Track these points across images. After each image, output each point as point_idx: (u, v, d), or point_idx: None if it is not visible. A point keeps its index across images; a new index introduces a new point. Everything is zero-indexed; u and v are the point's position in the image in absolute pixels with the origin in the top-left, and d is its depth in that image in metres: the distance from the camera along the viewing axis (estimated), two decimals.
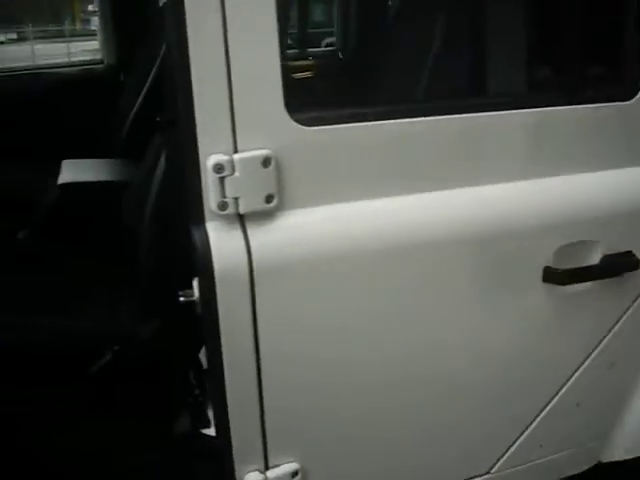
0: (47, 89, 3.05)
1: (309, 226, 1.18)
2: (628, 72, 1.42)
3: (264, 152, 1.12)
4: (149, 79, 2.34)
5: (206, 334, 1.17)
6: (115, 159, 2.46)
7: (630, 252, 1.37)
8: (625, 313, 1.43)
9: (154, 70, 2.32)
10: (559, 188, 1.33)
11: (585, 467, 1.58)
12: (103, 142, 2.50)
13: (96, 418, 1.59)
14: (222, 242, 1.13)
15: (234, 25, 1.08)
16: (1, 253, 2.08)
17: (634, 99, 1.34)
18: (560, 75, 1.57)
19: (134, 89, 2.48)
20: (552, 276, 1.33)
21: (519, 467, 1.49)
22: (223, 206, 1.12)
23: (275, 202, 1.14)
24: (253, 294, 1.15)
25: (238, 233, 1.14)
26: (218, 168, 1.10)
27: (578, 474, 1.57)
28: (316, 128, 1.15)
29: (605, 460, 1.58)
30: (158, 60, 2.30)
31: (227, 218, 1.13)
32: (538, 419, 1.45)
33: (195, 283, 1.17)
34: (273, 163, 1.12)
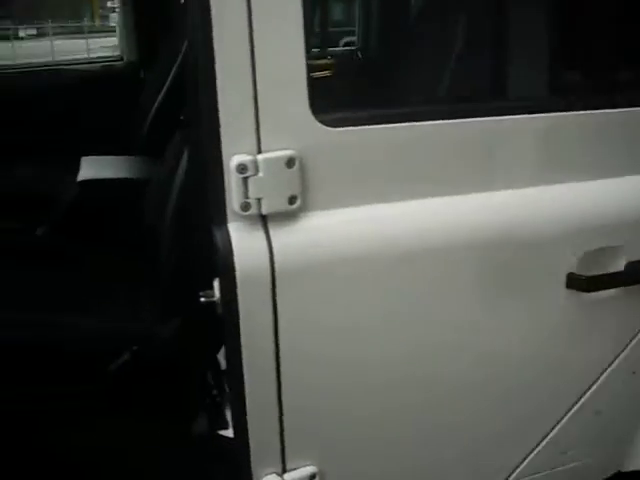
0: (67, 86, 3.06)
1: (332, 228, 1.17)
2: None
3: (288, 153, 1.11)
4: (170, 76, 2.34)
5: (226, 335, 1.16)
6: (135, 156, 2.46)
7: None
8: None
9: (175, 67, 2.32)
10: (584, 193, 1.31)
11: (604, 476, 1.56)
12: (123, 139, 2.49)
13: (114, 417, 1.58)
14: (244, 243, 1.13)
15: (260, 23, 1.07)
16: (20, 250, 2.08)
17: None
18: (584, 79, 1.55)
19: (154, 86, 2.48)
20: (576, 282, 1.31)
21: (538, 474, 1.47)
22: (246, 207, 1.11)
23: (298, 203, 1.13)
24: (274, 295, 1.14)
25: (260, 234, 1.13)
26: (241, 168, 1.09)
27: None
28: (341, 129, 1.14)
29: (625, 469, 1.56)
30: (179, 57, 2.30)
31: (249, 219, 1.13)
32: (558, 426, 1.44)
33: (216, 284, 1.16)
34: (297, 164, 1.12)
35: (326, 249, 1.17)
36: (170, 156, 1.84)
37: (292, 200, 1.13)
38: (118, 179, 2.32)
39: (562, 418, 1.44)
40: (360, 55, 2.59)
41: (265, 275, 1.13)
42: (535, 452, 1.45)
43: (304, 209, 1.15)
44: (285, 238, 1.14)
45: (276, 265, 1.13)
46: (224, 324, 1.15)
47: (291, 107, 1.11)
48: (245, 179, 1.10)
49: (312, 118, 1.12)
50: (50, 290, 1.78)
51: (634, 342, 1.42)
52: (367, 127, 1.16)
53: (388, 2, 2.29)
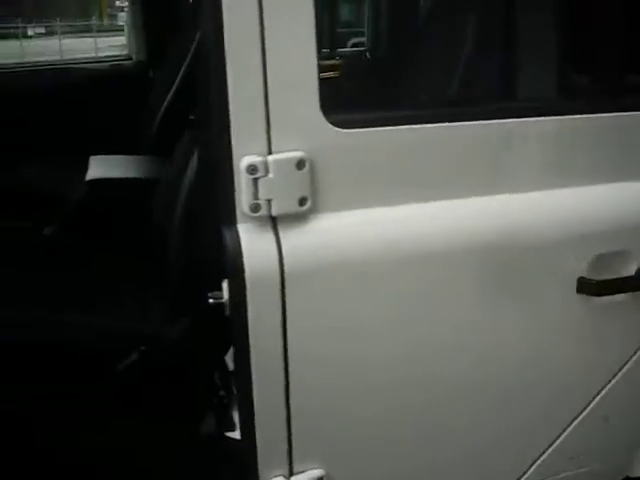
0: (76, 85, 3.06)
1: (342, 230, 1.17)
2: None
3: (298, 154, 1.11)
4: (179, 76, 2.33)
5: (235, 336, 1.16)
6: (144, 156, 2.46)
7: None
8: None
9: (184, 66, 2.32)
10: (594, 197, 1.31)
11: None
12: (132, 138, 2.49)
13: (121, 417, 1.58)
14: (253, 244, 1.12)
15: (271, 23, 1.06)
16: (28, 249, 2.08)
17: None
18: (592, 82, 1.55)
19: (163, 85, 2.47)
20: (586, 287, 1.30)
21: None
22: (256, 208, 1.11)
23: (308, 205, 1.13)
24: (284, 297, 1.14)
25: (270, 235, 1.13)
26: (252, 169, 1.09)
27: None
28: (351, 130, 1.14)
29: (634, 475, 1.55)
30: (188, 56, 2.29)
31: (259, 220, 1.12)
32: (566, 432, 1.43)
33: (225, 285, 1.15)
34: (307, 165, 1.11)
35: (336, 251, 1.16)
36: (179, 156, 1.84)
37: (302, 202, 1.12)
38: (127, 179, 2.31)
39: (570, 423, 1.43)
40: (370, 56, 2.59)
41: (274, 277, 1.12)
42: (543, 457, 1.44)
43: (314, 211, 1.14)
44: (295, 240, 1.13)
45: (285, 267, 1.12)
46: (233, 325, 1.15)
47: (302, 108, 1.11)
48: (255, 180, 1.09)
49: (323, 119, 1.11)
50: (58, 289, 1.77)
51: None
52: (378, 129, 1.16)
53: (398, 3, 2.29)
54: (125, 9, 3.92)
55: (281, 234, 1.13)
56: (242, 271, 1.11)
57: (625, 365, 1.41)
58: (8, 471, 1.52)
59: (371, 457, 1.31)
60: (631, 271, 1.33)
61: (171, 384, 1.56)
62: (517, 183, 1.26)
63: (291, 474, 1.25)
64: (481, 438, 1.37)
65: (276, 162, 1.10)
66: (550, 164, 1.29)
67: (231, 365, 1.50)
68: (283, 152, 1.10)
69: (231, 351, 1.42)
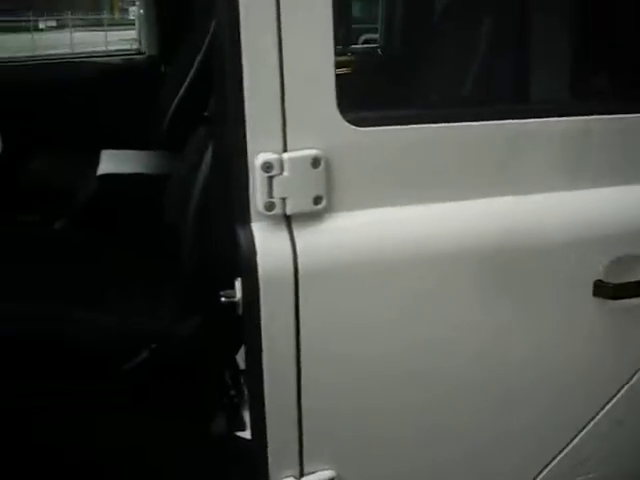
0: (87, 78, 3.05)
1: (357, 229, 1.15)
2: None
3: (314, 152, 1.09)
4: (191, 71, 2.32)
5: (247, 335, 1.15)
6: (155, 151, 2.44)
7: None
8: None
9: (197, 62, 2.31)
10: (611, 199, 1.29)
11: None
12: (143, 133, 2.48)
13: (131, 415, 1.58)
14: (267, 243, 1.11)
15: (288, 18, 1.05)
16: (37, 243, 2.08)
17: None
18: (609, 82, 1.53)
19: (175, 81, 2.46)
20: (603, 290, 1.29)
21: None
22: (270, 206, 1.09)
23: (323, 204, 1.12)
24: (297, 297, 1.12)
25: (284, 234, 1.12)
26: (267, 167, 1.08)
27: None
28: (368, 129, 1.12)
29: None
30: (201, 51, 2.28)
31: (273, 218, 1.11)
32: (579, 436, 1.41)
33: (238, 284, 1.14)
34: (323, 164, 1.10)
35: (351, 250, 1.15)
36: (191, 152, 1.83)
37: (317, 200, 1.11)
38: (138, 174, 2.30)
39: (584, 427, 1.41)
40: (383, 53, 2.58)
41: (288, 276, 1.11)
42: (555, 460, 1.42)
43: (329, 210, 1.13)
44: (309, 239, 1.12)
45: (299, 266, 1.11)
46: (245, 324, 1.14)
47: (318, 105, 1.10)
48: (270, 178, 1.08)
49: (339, 117, 1.10)
50: (68, 285, 1.77)
51: None
52: (395, 127, 1.15)
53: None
54: (137, 3, 3.91)
55: (295, 233, 1.12)
56: (255, 270, 1.10)
57: None
58: (17, 469, 1.52)
59: (383, 458, 1.30)
60: None
61: (181, 382, 1.55)
62: (534, 184, 1.25)
63: (302, 475, 1.24)
64: (495, 439, 1.36)
65: (291, 160, 1.08)
66: (568, 165, 1.27)
67: (242, 364, 1.49)
68: (299, 150, 1.09)
69: (242, 350, 1.41)
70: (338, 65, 1.09)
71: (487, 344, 1.28)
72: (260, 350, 1.14)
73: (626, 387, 1.40)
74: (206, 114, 1.59)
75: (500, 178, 1.23)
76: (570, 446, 1.42)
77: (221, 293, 1.17)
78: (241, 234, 1.11)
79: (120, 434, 1.56)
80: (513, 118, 1.22)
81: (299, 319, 1.14)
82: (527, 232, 1.25)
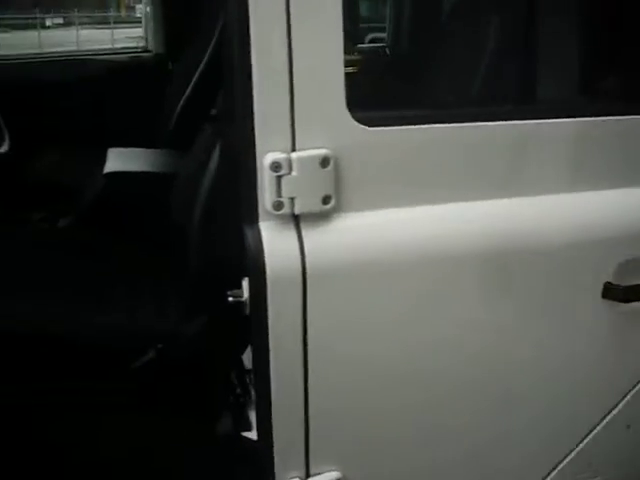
0: (95, 76, 3.05)
1: (366, 230, 1.15)
2: None
3: (323, 152, 1.08)
4: (199, 69, 2.32)
5: (254, 335, 1.14)
6: (162, 149, 2.44)
7: None
8: None
9: (204, 60, 2.30)
10: (620, 201, 1.28)
11: None
12: (150, 131, 2.48)
13: (137, 415, 1.57)
14: (275, 243, 1.10)
15: (298, 16, 1.04)
16: (42, 241, 2.08)
17: None
18: (618, 83, 1.52)
19: (183, 79, 2.45)
20: (612, 292, 1.28)
21: None
22: (278, 206, 1.09)
23: (332, 204, 1.11)
24: (305, 297, 1.12)
25: (292, 234, 1.11)
26: (275, 166, 1.07)
27: None
28: (378, 129, 1.12)
29: None
30: (208, 50, 2.28)
31: (282, 218, 1.10)
32: (587, 439, 1.40)
33: (245, 283, 1.14)
34: (332, 163, 1.09)
35: (359, 251, 1.14)
36: (199, 150, 1.82)
37: (326, 200, 1.10)
38: (145, 172, 2.29)
39: (591, 430, 1.40)
40: (391, 52, 2.57)
41: (296, 276, 1.10)
42: (563, 463, 1.41)
43: (337, 210, 1.12)
44: (317, 239, 1.12)
45: (307, 266, 1.11)
46: (252, 324, 1.13)
47: (327, 105, 1.09)
48: (279, 177, 1.08)
49: (348, 116, 1.09)
50: (74, 284, 1.76)
51: None
52: (405, 127, 1.14)
53: None
54: (143, 0, 3.90)
55: (303, 233, 1.11)
56: (263, 269, 1.09)
57: None
58: (24, 467, 1.51)
59: (390, 458, 1.30)
60: None
61: (188, 382, 1.55)
62: (544, 185, 1.24)
63: (308, 476, 1.23)
64: (503, 440, 1.36)
65: (300, 159, 1.08)
66: (578, 167, 1.26)
67: (248, 364, 1.48)
68: (307, 149, 1.08)
69: (248, 350, 1.41)
70: (346, 64, 1.08)
71: (496, 345, 1.27)
72: (267, 350, 1.13)
73: (634, 390, 1.39)
74: (214, 112, 1.58)
75: (510, 179, 1.22)
76: (577, 449, 1.41)
77: (228, 293, 1.17)
78: (249, 233, 1.11)
79: (126, 433, 1.56)
80: (524, 119, 1.21)
81: (306, 319, 1.13)
82: (537, 233, 1.24)
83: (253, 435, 1.28)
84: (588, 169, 1.27)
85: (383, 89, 1.58)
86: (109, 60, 3.35)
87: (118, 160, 2.32)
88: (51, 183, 2.60)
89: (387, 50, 2.61)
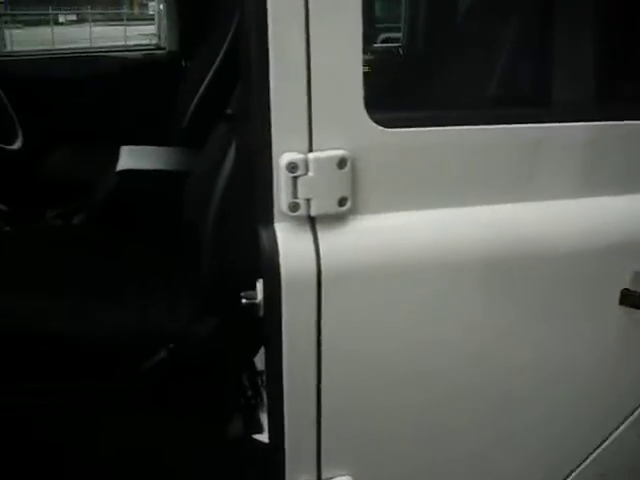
0: (108, 73, 3.05)
1: (382, 232, 1.13)
2: None
3: (340, 153, 1.07)
4: (213, 67, 2.31)
5: (268, 337, 1.13)
6: (175, 147, 2.43)
7: None
8: None
9: (219, 58, 2.29)
10: (637, 207, 1.26)
11: None
12: (163, 129, 2.47)
13: (147, 415, 1.56)
14: (290, 244, 1.09)
15: (317, 15, 1.03)
16: (55, 238, 2.07)
17: None
18: (636, 86, 1.50)
19: (197, 77, 2.45)
20: (630, 299, 1.26)
21: None
22: (294, 207, 1.07)
23: (348, 205, 1.09)
24: (319, 299, 1.10)
25: (308, 236, 1.10)
26: (292, 167, 1.06)
27: None
28: (396, 130, 1.10)
29: None
30: (223, 48, 2.27)
31: (297, 219, 1.09)
32: (601, 448, 1.39)
33: (259, 285, 1.13)
34: (349, 165, 1.08)
35: (375, 254, 1.13)
36: (213, 149, 1.81)
37: (342, 202, 1.09)
38: (158, 170, 2.29)
39: (604, 440, 1.38)
40: (406, 52, 2.55)
41: (311, 278, 1.09)
42: (576, 472, 1.40)
43: (354, 212, 1.11)
44: (333, 241, 1.10)
45: (322, 268, 1.09)
46: (266, 326, 1.12)
47: (345, 105, 1.07)
48: (295, 178, 1.06)
49: (366, 117, 1.08)
50: (86, 282, 1.76)
51: None
52: (423, 129, 1.12)
53: None
54: None
55: (319, 234, 1.10)
56: (278, 271, 1.08)
57: None
58: (33, 467, 1.51)
59: (403, 462, 1.28)
60: None
61: (199, 383, 1.54)
62: (562, 189, 1.23)
63: None
64: (512, 449, 1.34)
65: (317, 160, 1.06)
66: (594, 171, 1.25)
67: (260, 366, 1.47)
68: (324, 150, 1.07)
69: (260, 352, 1.39)
70: (370, 66, 1.07)
71: (510, 350, 1.26)
72: (280, 352, 1.12)
73: None
74: (228, 111, 1.57)
75: (529, 183, 1.21)
76: (589, 459, 1.39)
77: (242, 294, 1.15)
78: (264, 234, 1.10)
79: (136, 433, 1.55)
80: (545, 122, 1.20)
81: (321, 321, 1.12)
82: (558, 238, 1.22)
83: (264, 438, 1.27)
84: (607, 173, 1.25)
85: (400, 90, 1.56)
86: (123, 57, 3.34)
87: (131, 158, 2.31)
88: (64, 180, 2.60)
89: (401, 50, 2.60)
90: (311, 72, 1.05)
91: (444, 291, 1.18)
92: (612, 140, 1.24)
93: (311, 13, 1.03)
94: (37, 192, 2.56)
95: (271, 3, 1.02)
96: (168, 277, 1.81)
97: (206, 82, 2.33)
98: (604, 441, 1.38)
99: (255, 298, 1.14)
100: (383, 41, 3.22)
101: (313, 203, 1.08)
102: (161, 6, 3.90)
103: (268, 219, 1.09)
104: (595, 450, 1.39)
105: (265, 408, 1.31)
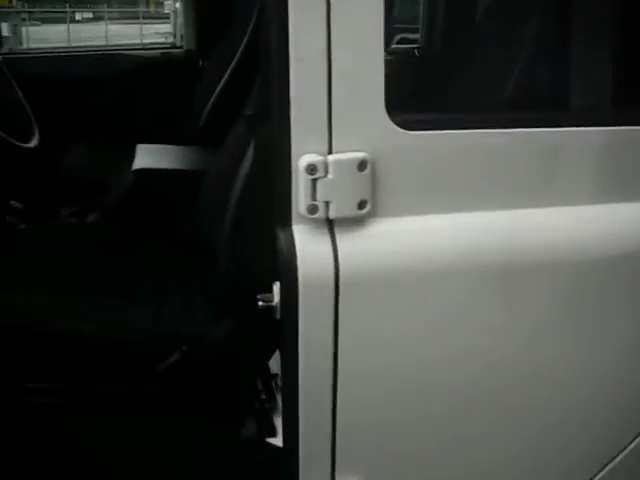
0: (125, 71, 3.05)
1: (401, 236, 1.12)
2: None
3: (360, 155, 1.06)
4: (230, 66, 2.30)
5: (284, 340, 1.12)
6: (191, 146, 2.42)
7: None
8: None
9: (236, 58, 2.28)
10: None
11: None
12: (179, 128, 2.46)
13: (160, 417, 1.56)
14: (308, 247, 1.08)
15: (338, 16, 1.02)
16: (70, 236, 2.07)
17: None
18: None
19: (214, 76, 2.44)
20: None
21: None
22: (313, 209, 1.06)
23: (367, 208, 1.08)
24: (337, 303, 1.09)
25: (326, 238, 1.08)
26: (311, 169, 1.05)
27: None
28: (417, 132, 1.09)
29: None
30: (241, 47, 2.26)
31: (315, 222, 1.08)
32: (620, 456, 1.36)
33: (276, 288, 1.11)
34: (369, 167, 1.06)
35: (394, 258, 1.12)
36: (230, 149, 1.80)
37: (361, 205, 1.08)
38: (174, 170, 2.28)
39: (625, 448, 1.36)
40: (424, 53, 2.53)
41: (328, 281, 1.08)
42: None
43: (373, 215, 1.09)
44: (352, 244, 1.09)
45: (340, 272, 1.08)
46: (282, 329, 1.11)
47: (366, 107, 1.06)
48: (314, 180, 1.05)
49: (388, 119, 1.07)
50: (100, 282, 1.75)
51: None
52: (445, 132, 1.11)
53: None
54: None
55: (337, 238, 1.08)
56: (295, 274, 1.07)
57: None
58: (46, 466, 1.51)
59: (415, 474, 1.27)
60: None
61: (212, 386, 1.53)
62: (580, 195, 1.21)
63: None
64: (532, 459, 1.32)
65: (336, 162, 1.05)
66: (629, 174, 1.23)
67: (274, 369, 1.46)
68: (344, 152, 1.05)
69: (275, 355, 1.38)
70: (390, 67, 1.06)
71: (542, 360, 1.24)
72: (296, 355, 1.11)
73: None
74: (249, 112, 1.56)
75: (556, 187, 1.19)
76: (608, 467, 1.37)
77: (258, 297, 1.14)
78: (281, 237, 1.08)
79: (149, 435, 1.54)
80: (566, 126, 1.18)
81: (338, 325, 1.10)
82: (575, 244, 1.20)
83: (278, 441, 1.26)
84: (628, 179, 1.23)
85: (422, 92, 1.55)
86: (140, 55, 3.34)
87: (147, 156, 2.31)
88: (79, 178, 2.60)
89: (421, 51, 2.58)
90: (332, 73, 1.04)
91: (463, 296, 1.17)
92: (633, 145, 1.22)
93: (332, 14, 1.02)
94: (52, 190, 2.56)
95: (292, 4, 1.01)
96: (183, 277, 1.80)
97: (223, 81, 2.31)
98: (623, 450, 1.36)
99: (272, 301, 1.13)
100: (399, 42, 3.20)
101: (332, 206, 1.06)
102: (177, 4, 3.90)
103: (286, 221, 1.08)
104: (614, 459, 1.36)
105: (279, 411, 1.30)
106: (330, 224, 1.09)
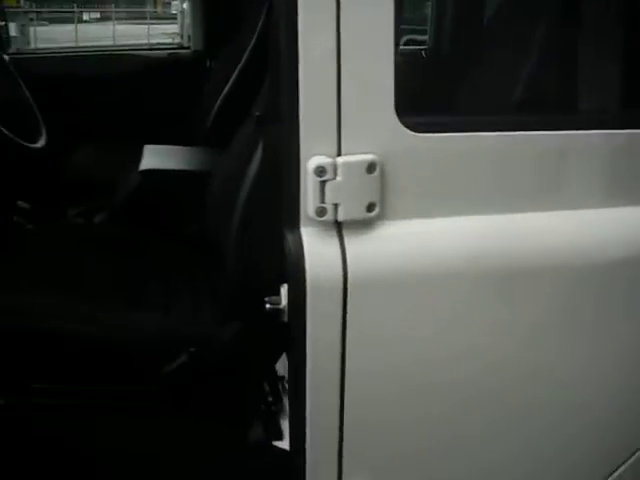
0: (132, 71, 3.05)
1: (410, 239, 1.11)
2: None
3: (369, 157, 1.05)
4: (238, 67, 2.30)
5: (292, 343, 1.11)
6: (199, 147, 2.42)
7: None
8: None
9: (244, 58, 2.28)
10: None
11: None
12: (186, 129, 2.46)
13: (167, 418, 1.55)
14: (317, 249, 1.07)
15: (348, 17, 1.01)
16: (77, 236, 2.07)
17: None
18: None
19: (221, 76, 2.44)
20: None
21: None
22: (321, 212, 1.06)
23: (376, 211, 1.07)
24: (345, 305, 1.08)
25: (334, 241, 1.08)
26: (320, 171, 1.04)
27: None
28: (427, 135, 1.08)
29: None
30: (249, 48, 2.26)
31: (324, 224, 1.07)
32: (625, 465, 1.35)
33: (283, 290, 1.11)
34: (378, 169, 1.06)
35: (402, 260, 1.11)
36: (238, 150, 1.80)
37: (370, 207, 1.07)
38: (181, 171, 2.28)
39: (631, 455, 1.35)
40: (432, 54, 2.52)
41: (337, 284, 1.07)
42: None
43: (382, 217, 1.09)
44: (360, 247, 1.08)
45: (349, 274, 1.07)
46: (290, 331, 1.10)
47: (375, 109, 1.05)
48: (323, 183, 1.04)
49: (397, 122, 1.06)
50: (107, 283, 1.74)
51: None
52: (455, 134, 1.10)
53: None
54: None
55: (346, 240, 1.08)
56: (303, 276, 1.06)
57: None
58: (53, 467, 1.50)
59: (425, 471, 1.26)
60: None
61: (219, 388, 1.52)
62: (589, 198, 1.20)
63: None
64: (543, 463, 1.31)
65: (345, 165, 1.04)
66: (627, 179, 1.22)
67: (281, 372, 1.46)
68: (353, 154, 1.05)
69: (282, 358, 1.38)
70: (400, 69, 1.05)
71: (549, 363, 1.23)
72: (304, 358, 1.10)
73: None
74: (256, 113, 1.56)
75: (563, 190, 1.18)
76: (618, 471, 1.36)
77: (266, 299, 1.14)
78: (290, 239, 1.08)
79: (156, 437, 1.54)
80: (584, 128, 1.17)
81: (346, 328, 1.10)
82: (580, 248, 1.19)
83: (284, 444, 1.26)
84: (634, 182, 1.22)
85: (431, 94, 1.54)
86: (147, 56, 3.35)
87: (154, 157, 2.30)
88: (86, 179, 2.60)
89: (430, 53, 2.57)
90: (341, 74, 1.03)
91: (473, 299, 1.16)
92: (635, 148, 1.21)
93: (342, 15, 1.01)
94: (60, 190, 2.56)
95: (302, 5, 1.00)
96: (190, 278, 1.80)
97: (231, 82, 2.31)
98: (632, 455, 1.35)
99: (279, 303, 1.12)
100: (406, 43, 3.19)
101: (341, 208, 1.06)
102: (184, 5, 3.90)
103: (294, 223, 1.08)
104: (624, 463, 1.35)
105: (286, 414, 1.30)
106: (339, 226, 1.08)
